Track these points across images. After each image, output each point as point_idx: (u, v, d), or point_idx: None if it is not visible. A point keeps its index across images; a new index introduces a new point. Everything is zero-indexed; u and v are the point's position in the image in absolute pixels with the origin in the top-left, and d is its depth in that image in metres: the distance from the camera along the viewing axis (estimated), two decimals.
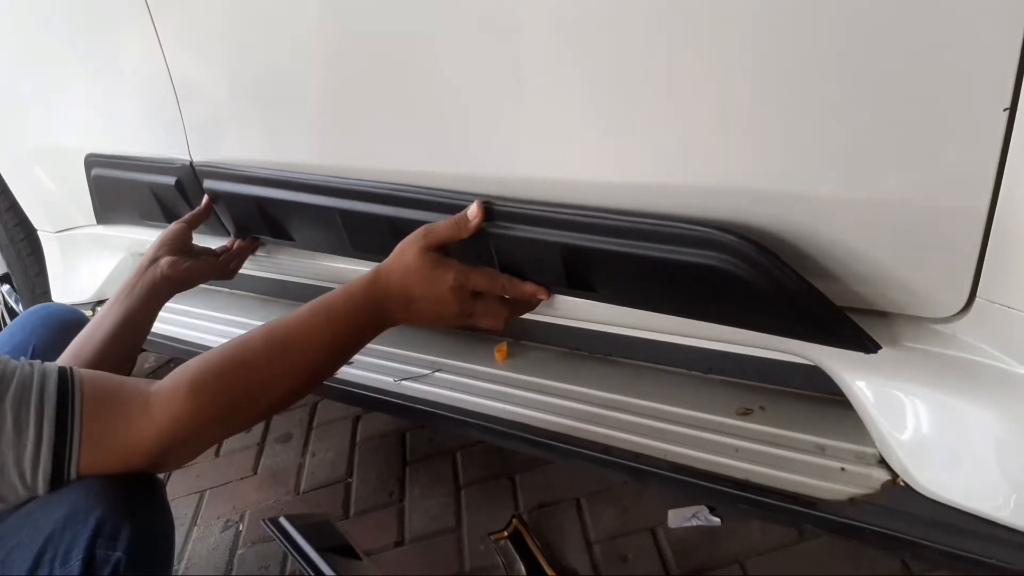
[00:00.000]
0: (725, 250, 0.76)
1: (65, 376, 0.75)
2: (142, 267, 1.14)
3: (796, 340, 0.82)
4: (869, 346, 0.77)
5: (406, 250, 0.90)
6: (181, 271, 1.15)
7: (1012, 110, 0.61)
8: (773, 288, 0.75)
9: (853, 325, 0.76)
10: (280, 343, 0.84)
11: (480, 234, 0.91)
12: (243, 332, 0.87)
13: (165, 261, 1.14)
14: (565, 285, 0.93)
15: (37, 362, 0.76)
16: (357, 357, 1.25)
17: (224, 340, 1.39)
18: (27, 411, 0.72)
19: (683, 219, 0.78)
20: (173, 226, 1.20)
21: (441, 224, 0.91)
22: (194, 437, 0.80)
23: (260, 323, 1.41)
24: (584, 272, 0.90)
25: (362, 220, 1.05)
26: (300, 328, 0.85)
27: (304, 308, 0.87)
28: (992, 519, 0.74)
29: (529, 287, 0.95)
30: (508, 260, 0.94)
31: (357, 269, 1.20)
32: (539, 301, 0.97)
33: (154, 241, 1.17)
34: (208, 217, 1.24)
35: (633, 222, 0.81)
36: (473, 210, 0.91)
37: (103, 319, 1.08)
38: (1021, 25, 0.58)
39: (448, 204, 0.95)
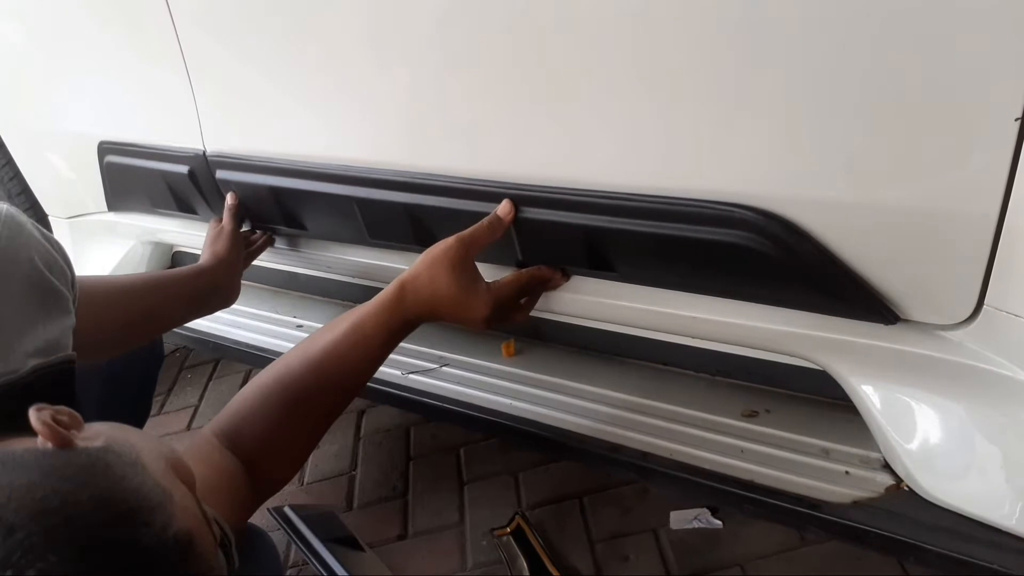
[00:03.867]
0: (748, 227, 0.77)
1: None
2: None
3: (816, 314, 0.83)
4: (888, 317, 0.77)
5: (437, 268, 0.90)
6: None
7: (1023, 120, 0.62)
8: (796, 262, 0.77)
9: (873, 296, 0.77)
10: (326, 374, 0.88)
11: None
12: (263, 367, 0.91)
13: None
14: (586, 266, 0.94)
15: None
16: None
17: (230, 330, 1.43)
18: None
19: (705, 199, 0.79)
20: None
21: (476, 231, 0.91)
22: (285, 481, 0.92)
23: (267, 314, 1.45)
24: (605, 253, 0.91)
25: (379, 207, 1.06)
26: (339, 355, 0.88)
27: (337, 333, 0.89)
28: (996, 525, 0.75)
29: (555, 281, 0.98)
30: (529, 243, 0.95)
31: (368, 262, 1.21)
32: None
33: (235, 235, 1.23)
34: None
35: (654, 202, 0.82)
36: (505, 208, 0.92)
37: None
38: None
39: (466, 190, 0.96)
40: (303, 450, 0.92)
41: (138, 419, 1.13)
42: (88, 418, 0.55)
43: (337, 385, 0.89)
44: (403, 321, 0.91)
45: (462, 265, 0.90)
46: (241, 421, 0.84)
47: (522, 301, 1.00)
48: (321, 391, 0.88)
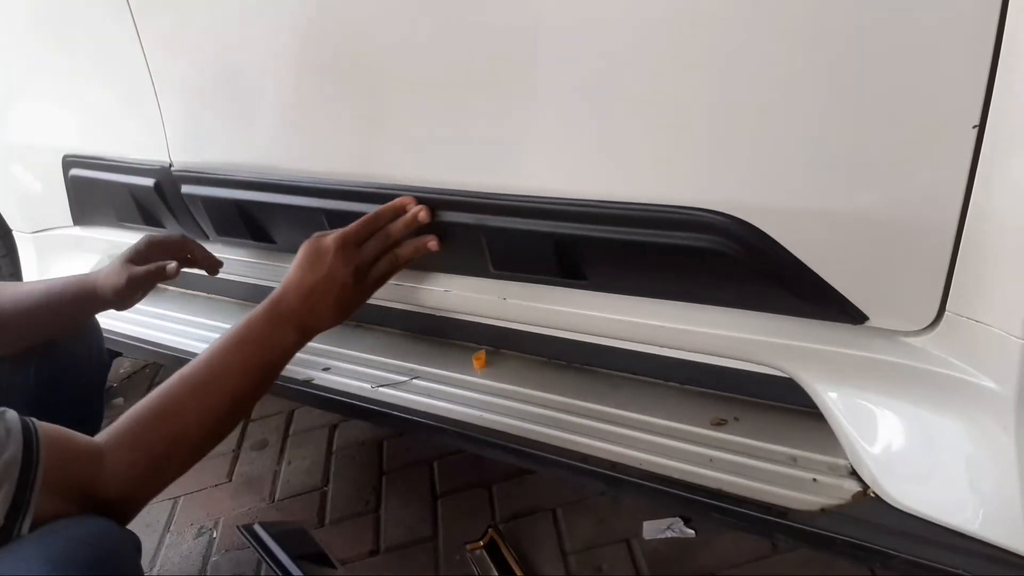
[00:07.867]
0: (716, 231, 0.78)
1: (30, 435, 0.72)
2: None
3: (783, 315, 0.84)
4: (856, 316, 0.78)
5: (294, 264, 0.92)
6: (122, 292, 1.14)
7: (980, 127, 0.63)
8: (763, 265, 0.77)
9: (839, 296, 0.77)
10: (198, 384, 0.84)
11: (471, 228, 0.93)
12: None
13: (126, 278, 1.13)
14: (557, 274, 0.94)
15: None
16: (334, 363, 1.25)
17: (201, 345, 1.41)
18: None
19: (671, 205, 0.80)
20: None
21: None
22: (145, 489, 0.84)
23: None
24: (575, 260, 0.91)
25: (349, 219, 1.05)
26: (213, 364, 0.86)
27: (217, 342, 0.87)
28: (959, 531, 0.75)
29: (424, 241, 0.97)
30: (499, 252, 0.96)
31: None
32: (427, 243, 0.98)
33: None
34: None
35: (622, 209, 0.83)
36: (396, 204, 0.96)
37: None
38: (990, 44, 0.60)
39: (437, 200, 0.96)
40: (155, 465, 0.84)
41: (89, 426, 1.10)
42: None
43: (207, 402, 0.85)
44: (282, 316, 0.89)
45: (313, 249, 0.91)
46: (123, 418, 0.82)
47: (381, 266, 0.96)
48: (190, 409, 0.84)
